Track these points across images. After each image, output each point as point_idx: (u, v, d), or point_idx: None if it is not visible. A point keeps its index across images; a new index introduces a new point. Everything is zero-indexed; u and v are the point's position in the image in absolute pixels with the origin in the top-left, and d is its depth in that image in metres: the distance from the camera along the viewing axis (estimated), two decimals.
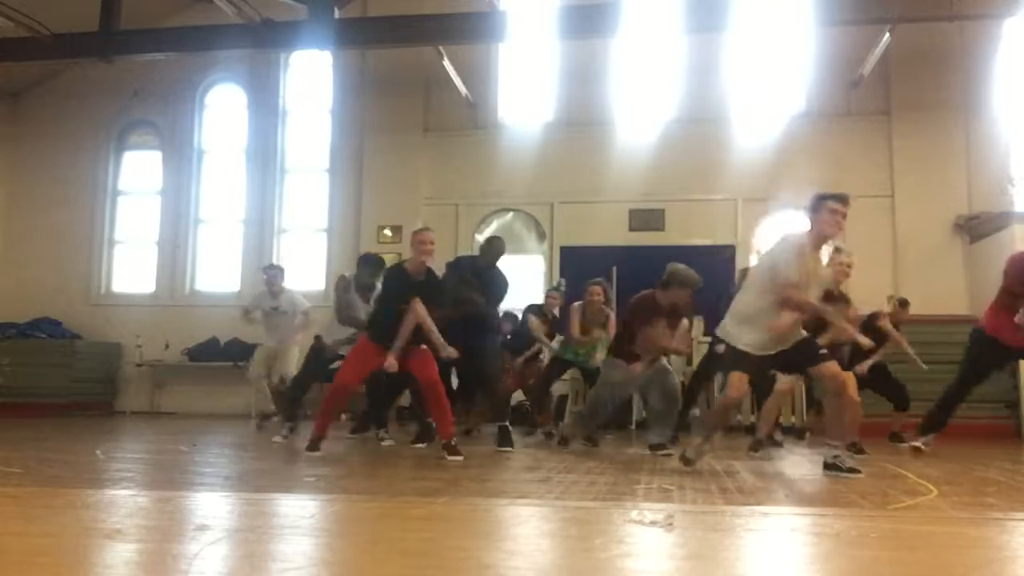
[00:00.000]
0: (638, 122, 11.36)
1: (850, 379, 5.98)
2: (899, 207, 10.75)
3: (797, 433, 8.28)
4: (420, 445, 6.46)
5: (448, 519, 3.17)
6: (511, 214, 11.77)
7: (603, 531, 2.91)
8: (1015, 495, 4.23)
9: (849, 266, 6.04)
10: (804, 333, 4.91)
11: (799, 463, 5.94)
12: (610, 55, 11.46)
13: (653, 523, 2.92)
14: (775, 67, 11.39)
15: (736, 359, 4.90)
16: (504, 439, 6.47)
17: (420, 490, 3.99)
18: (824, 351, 4.87)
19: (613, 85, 11.55)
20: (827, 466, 4.82)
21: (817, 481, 4.75)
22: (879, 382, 7.48)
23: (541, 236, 11.50)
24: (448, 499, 3.66)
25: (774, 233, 11.05)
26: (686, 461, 4.98)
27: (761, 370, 5.11)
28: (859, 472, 4.73)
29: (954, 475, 5.03)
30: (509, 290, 7.03)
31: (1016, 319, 5.92)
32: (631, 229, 10.99)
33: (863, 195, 10.80)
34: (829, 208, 4.71)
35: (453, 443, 5.71)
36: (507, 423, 6.62)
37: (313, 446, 5.77)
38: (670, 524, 2.90)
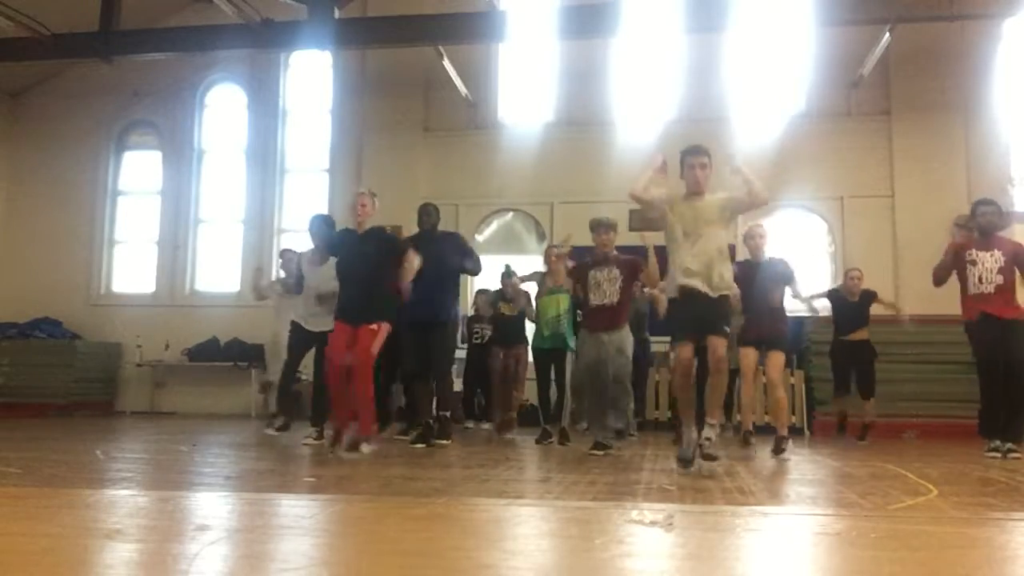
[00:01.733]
0: (638, 122, 11.36)
1: (776, 367, 6.37)
2: (899, 207, 10.75)
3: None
4: (420, 445, 6.45)
5: (448, 519, 3.17)
6: (511, 214, 11.77)
7: (603, 531, 2.91)
8: (1015, 495, 4.23)
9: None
10: (724, 291, 4.93)
11: (799, 463, 5.94)
12: (610, 55, 11.47)
13: (653, 523, 2.92)
14: (775, 67, 11.39)
15: (673, 320, 5.16)
16: (442, 431, 6.50)
17: (420, 490, 3.98)
18: (726, 327, 4.93)
19: (613, 85, 11.55)
20: (704, 456, 4.77)
21: (817, 481, 4.75)
22: (863, 364, 7.84)
23: (541, 236, 11.50)
24: (448, 499, 3.66)
25: (774, 233, 11.12)
26: (709, 458, 4.79)
27: (697, 327, 5.03)
28: (716, 459, 4.70)
29: (954, 475, 5.03)
30: (462, 247, 7.01)
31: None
32: (631, 229, 10.92)
33: (863, 195, 10.84)
34: (687, 164, 5.05)
35: (363, 438, 5.59)
36: (448, 413, 6.65)
37: (353, 446, 5.62)
38: (670, 524, 2.90)
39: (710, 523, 3.07)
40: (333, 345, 5.79)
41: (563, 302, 7.29)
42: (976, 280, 6.35)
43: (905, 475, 4.90)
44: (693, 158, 5.03)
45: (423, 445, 6.41)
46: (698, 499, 3.78)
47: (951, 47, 10.62)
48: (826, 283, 10.84)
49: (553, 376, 7.47)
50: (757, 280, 6.44)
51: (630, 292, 6.44)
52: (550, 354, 7.41)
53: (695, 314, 4.93)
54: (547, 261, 7.66)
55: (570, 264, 7.17)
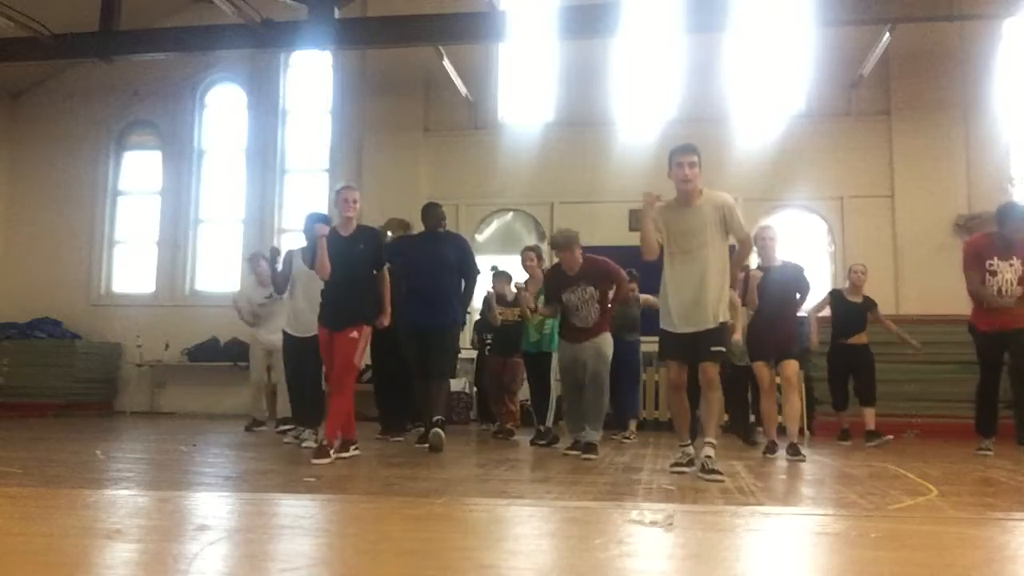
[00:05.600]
0: (638, 122, 11.36)
1: (792, 374, 6.18)
2: (899, 207, 10.75)
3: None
4: (424, 445, 6.41)
5: (448, 519, 3.17)
6: (511, 214, 11.77)
7: (603, 531, 2.91)
8: (1015, 495, 4.23)
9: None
10: (717, 320, 4.77)
11: (799, 463, 5.93)
12: (610, 55, 11.47)
13: (653, 523, 2.92)
14: (775, 67, 11.39)
15: (660, 341, 5.03)
16: (436, 437, 6.11)
17: (420, 490, 3.98)
18: (716, 349, 4.79)
19: (613, 85, 11.55)
20: (702, 468, 4.63)
21: (817, 481, 4.75)
22: (862, 369, 7.64)
23: (541, 236, 11.49)
24: (448, 499, 3.66)
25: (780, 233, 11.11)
26: (712, 474, 4.60)
27: (687, 353, 4.93)
28: (720, 477, 4.49)
29: (954, 475, 5.03)
30: (466, 250, 6.84)
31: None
32: (631, 229, 10.95)
33: (863, 195, 10.85)
34: (675, 162, 4.81)
35: (325, 443, 5.35)
36: (442, 419, 6.29)
37: (343, 447, 5.53)
38: (670, 524, 2.90)
39: (710, 523, 3.06)
40: (323, 353, 5.70)
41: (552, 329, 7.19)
42: (995, 292, 6.22)
43: (905, 475, 4.90)
44: (682, 155, 4.78)
45: (426, 446, 6.31)
46: (698, 499, 3.78)
47: (951, 47, 10.63)
48: (827, 283, 10.87)
49: (542, 379, 7.46)
50: (767, 286, 6.22)
51: (607, 301, 6.20)
52: (536, 358, 7.44)
53: (682, 343, 4.87)
54: (524, 265, 7.60)
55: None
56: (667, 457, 5.84)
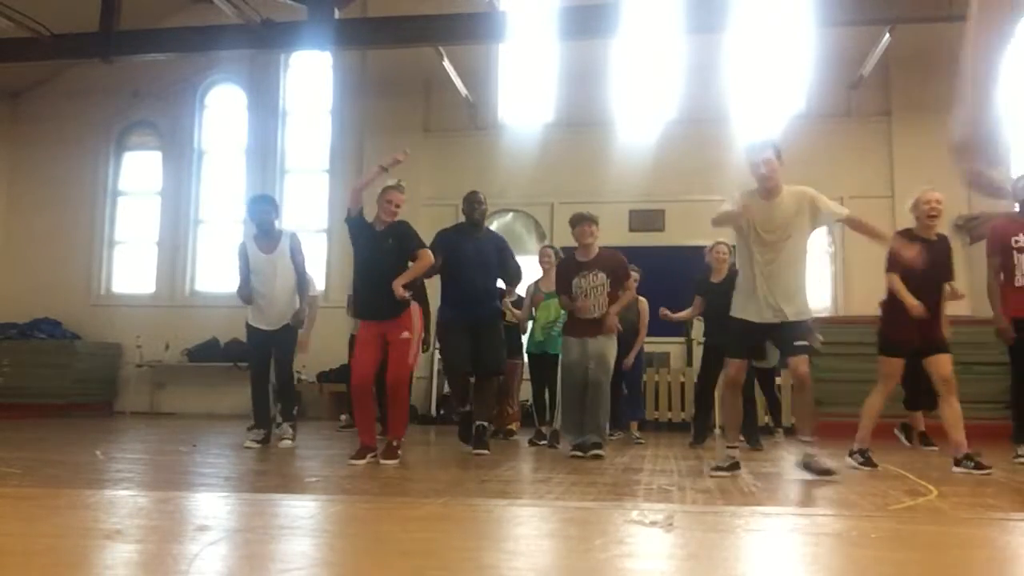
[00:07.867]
0: (638, 122, 11.36)
1: (946, 370, 5.40)
2: (899, 207, 10.72)
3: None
4: (483, 451, 6.31)
5: (448, 519, 3.17)
6: (511, 214, 11.76)
7: (603, 531, 2.91)
8: (1015, 495, 4.23)
9: (939, 202, 5.71)
10: (799, 315, 4.77)
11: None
12: (610, 55, 11.47)
13: (653, 523, 2.92)
14: (775, 67, 11.39)
15: (733, 333, 4.95)
16: (480, 440, 6.07)
17: (420, 491, 3.99)
18: (801, 344, 4.74)
19: (613, 85, 11.55)
20: (803, 466, 4.70)
21: (817, 481, 4.74)
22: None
23: (541, 236, 11.49)
24: (448, 499, 3.66)
25: None
26: (823, 472, 4.61)
27: (757, 343, 4.95)
28: (833, 474, 4.57)
29: (954, 475, 5.03)
30: (509, 252, 6.67)
31: None
32: (631, 229, 10.98)
33: (863, 195, 10.83)
34: (752, 161, 5.00)
35: (395, 444, 5.39)
36: (484, 425, 6.21)
37: (391, 453, 5.39)
38: (670, 524, 2.90)
39: (710, 523, 3.07)
40: (359, 354, 5.55)
41: (556, 308, 7.06)
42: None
43: (905, 475, 4.90)
44: (758, 154, 4.90)
45: (484, 451, 6.06)
46: (698, 499, 3.78)
47: (951, 47, 10.58)
48: (827, 284, 10.87)
49: (546, 380, 7.42)
50: (927, 262, 5.08)
51: (617, 293, 6.12)
52: (543, 359, 7.39)
53: (759, 333, 4.85)
54: (541, 263, 7.59)
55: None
56: (667, 458, 5.85)
